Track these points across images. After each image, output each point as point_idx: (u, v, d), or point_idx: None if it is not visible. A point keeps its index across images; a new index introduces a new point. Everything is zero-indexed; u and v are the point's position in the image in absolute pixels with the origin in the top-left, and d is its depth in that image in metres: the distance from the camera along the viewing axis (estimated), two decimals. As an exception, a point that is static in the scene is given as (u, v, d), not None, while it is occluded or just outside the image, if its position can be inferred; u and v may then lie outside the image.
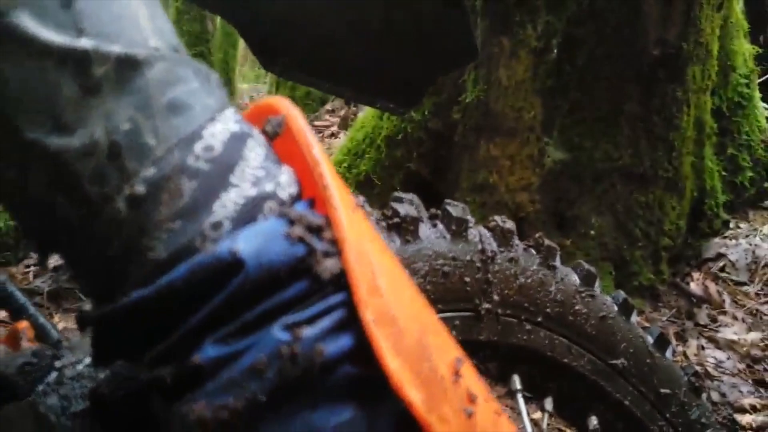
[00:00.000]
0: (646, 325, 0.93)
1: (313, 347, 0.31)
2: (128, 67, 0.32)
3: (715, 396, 1.54)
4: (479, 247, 0.68)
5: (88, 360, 0.42)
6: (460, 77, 1.78)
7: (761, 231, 2.13)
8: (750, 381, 1.63)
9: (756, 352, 1.72)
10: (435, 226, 0.66)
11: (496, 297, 0.69)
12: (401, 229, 0.63)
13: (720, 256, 2.03)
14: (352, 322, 0.32)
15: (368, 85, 0.95)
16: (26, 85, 0.31)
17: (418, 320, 0.34)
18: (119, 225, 0.32)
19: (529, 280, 0.71)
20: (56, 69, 0.31)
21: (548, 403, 0.77)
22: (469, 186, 1.76)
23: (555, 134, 1.76)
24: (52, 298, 2.01)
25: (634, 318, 0.79)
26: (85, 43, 0.31)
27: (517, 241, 0.72)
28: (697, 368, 0.84)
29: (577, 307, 0.74)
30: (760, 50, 2.33)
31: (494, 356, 0.71)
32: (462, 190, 1.77)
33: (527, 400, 0.74)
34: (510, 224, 0.72)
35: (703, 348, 1.75)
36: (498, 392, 1.03)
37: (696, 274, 1.98)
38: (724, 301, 1.92)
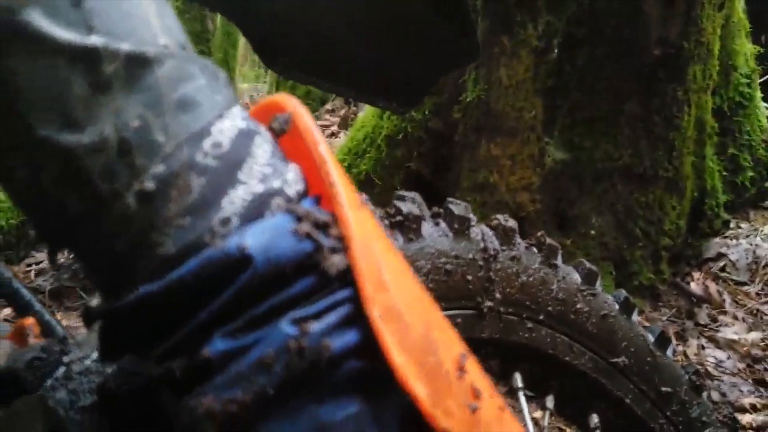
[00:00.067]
0: (647, 324, 0.94)
1: (320, 342, 0.31)
2: (138, 64, 0.32)
3: (715, 395, 1.55)
4: (481, 245, 0.68)
5: (95, 355, 0.42)
6: (461, 77, 1.78)
7: (762, 231, 2.13)
8: (750, 380, 1.64)
9: (756, 352, 1.73)
10: (437, 224, 0.67)
11: (498, 295, 0.69)
12: (404, 227, 0.63)
13: (720, 255, 2.03)
14: (358, 317, 0.32)
15: (369, 84, 0.95)
16: (37, 82, 0.31)
17: (423, 316, 0.34)
18: (129, 221, 0.32)
19: (530, 279, 0.71)
20: (67, 66, 0.31)
21: (549, 401, 0.77)
22: (470, 185, 1.76)
23: (555, 134, 1.77)
24: (53, 296, 2.01)
25: (635, 317, 0.80)
26: (95, 40, 0.32)
27: (519, 239, 0.72)
28: (698, 368, 0.85)
29: (578, 306, 0.74)
30: (762, 50, 2.33)
31: (496, 354, 0.72)
32: (462, 189, 1.78)
33: (528, 399, 0.74)
34: (512, 223, 0.72)
35: (703, 347, 1.75)
36: (499, 390, 1.03)
37: (696, 274, 1.98)
38: (724, 300, 1.92)
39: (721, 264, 2.02)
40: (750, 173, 2.17)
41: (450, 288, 0.66)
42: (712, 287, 1.94)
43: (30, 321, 0.55)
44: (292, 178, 0.35)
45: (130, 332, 0.34)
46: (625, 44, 1.71)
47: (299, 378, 0.31)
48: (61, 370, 0.41)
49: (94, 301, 0.51)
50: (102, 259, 0.34)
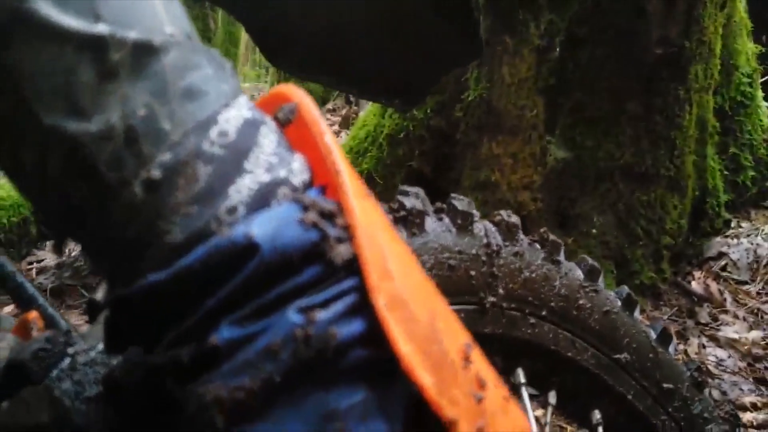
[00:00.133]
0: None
1: (326, 330, 0.31)
2: (144, 52, 0.32)
3: (716, 394, 1.54)
4: (484, 241, 0.68)
5: (100, 347, 0.42)
6: (463, 75, 1.79)
7: (763, 230, 2.13)
8: (751, 379, 1.64)
9: (757, 351, 1.73)
10: (441, 219, 0.67)
11: (501, 291, 0.69)
12: (407, 222, 0.64)
13: (721, 255, 2.03)
14: (364, 306, 0.32)
15: (372, 81, 0.95)
16: (44, 70, 0.31)
17: (428, 306, 0.34)
18: (136, 209, 0.32)
19: (533, 275, 0.71)
20: (74, 54, 0.31)
21: (552, 397, 0.77)
22: (471, 184, 1.77)
23: (557, 133, 1.77)
24: (55, 294, 2.01)
25: (638, 313, 0.80)
26: (102, 28, 0.32)
27: (521, 235, 0.72)
28: (699, 364, 0.85)
29: (581, 302, 0.74)
30: (763, 49, 2.33)
31: (498, 350, 0.72)
32: (464, 188, 1.78)
33: (531, 396, 0.74)
34: (515, 219, 0.72)
35: (704, 346, 1.75)
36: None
37: (697, 273, 1.98)
38: (725, 299, 1.92)
39: (722, 263, 2.02)
40: (751, 172, 2.17)
41: (453, 283, 0.66)
42: (713, 286, 1.94)
43: (33, 315, 0.55)
44: (297, 168, 0.35)
45: (136, 322, 0.34)
46: (627, 43, 1.71)
47: (306, 366, 0.31)
48: (67, 361, 0.41)
49: (98, 295, 0.52)
50: (109, 249, 0.34)
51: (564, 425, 1.46)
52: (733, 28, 2.10)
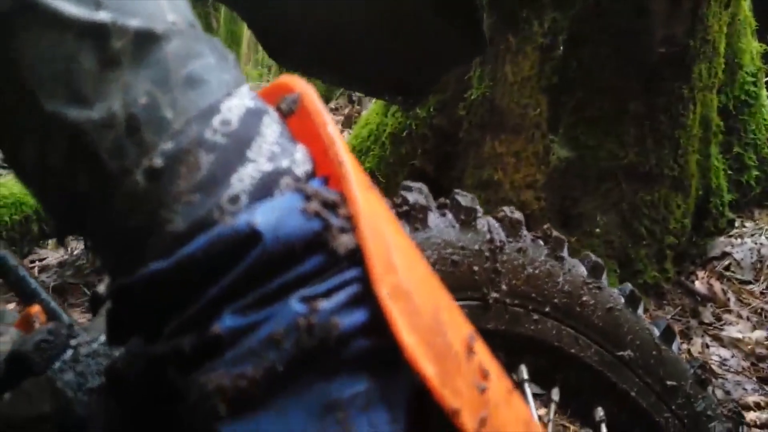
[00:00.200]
0: (652, 320, 0.94)
1: (329, 320, 0.31)
2: (146, 40, 0.32)
3: (719, 393, 1.54)
4: (488, 236, 0.68)
5: (102, 338, 0.42)
6: (466, 74, 1.78)
7: (766, 230, 2.13)
8: (754, 379, 1.63)
9: (761, 351, 1.72)
10: (444, 215, 0.67)
11: (504, 287, 0.69)
12: (410, 217, 0.63)
13: (725, 254, 2.03)
14: (367, 296, 0.32)
15: (375, 78, 0.95)
16: (45, 57, 0.31)
17: (431, 297, 0.34)
18: (138, 198, 0.32)
19: (536, 271, 0.71)
20: (75, 42, 0.31)
21: (555, 394, 0.77)
22: (474, 183, 1.76)
23: (560, 132, 1.76)
24: (57, 293, 2.01)
25: (641, 310, 0.79)
26: (103, 16, 0.32)
27: (525, 231, 0.72)
28: (702, 362, 0.84)
29: (584, 299, 0.74)
30: (768, 48, 2.32)
31: (501, 346, 0.72)
32: (467, 186, 1.78)
33: (535, 395, 0.74)
34: (518, 215, 0.72)
35: (707, 346, 1.75)
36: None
37: (701, 273, 1.98)
38: (728, 299, 1.91)
39: (726, 263, 2.01)
40: (755, 172, 2.16)
41: (456, 279, 0.66)
42: (717, 286, 1.93)
43: (36, 309, 0.55)
44: (300, 158, 0.35)
45: (138, 311, 0.34)
46: (631, 42, 1.71)
47: (308, 355, 0.31)
48: (69, 352, 0.41)
49: (101, 288, 0.51)
50: (111, 238, 0.34)
51: (567, 424, 1.46)
52: (737, 26, 2.09)
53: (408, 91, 0.93)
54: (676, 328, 1.78)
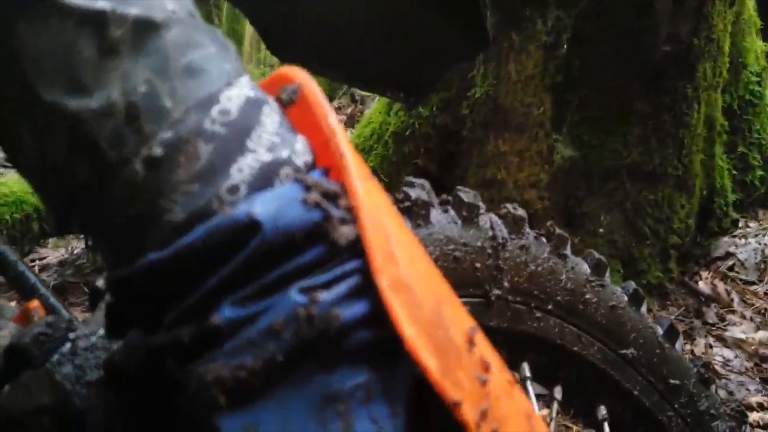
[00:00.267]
0: (655, 319, 0.93)
1: (329, 311, 0.31)
2: (146, 29, 0.32)
3: (722, 394, 1.54)
4: (490, 233, 0.68)
5: (101, 332, 0.42)
6: (470, 72, 1.78)
7: (770, 230, 2.12)
8: (758, 379, 1.63)
9: (764, 351, 1.72)
10: (446, 211, 0.66)
11: (506, 284, 0.68)
12: (412, 213, 0.63)
13: (729, 255, 2.02)
14: (367, 288, 0.32)
15: (378, 75, 0.95)
16: (44, 46, 0.31)
17: (432, 289, 0.34)
18: (137, 187, 0.32)
19: (539, 268, 0.71)
20: (74, 30, 0.31)
21: (557, 393, 0.76)
22: (477, 182, 1.76)
23: (564, 131, 1.76)
24: (57, 292, 2.01)
25: (644, 308, 0.79)
26: (103, 4, 0.31)
27: (528, 228, 0.72)
28: (706, 361, 0.84)
29: (587, 296, 0.74)
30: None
31: (503, 343, 0.71)
32: (470, 185, 1.77)
33: (537, 396, 0.74)
34: (521, 212, 0.72)
35: (711, 346, 1.74)
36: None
37: (705, 273, 1.97)
38: (732, 300, 1.91)
39: (730, 263, 2.01)
40: (759, 172, 2.16)
41: (458, 275, 0.65)
42: (721, 286, 1.93)
43: (35, 304, 0.55)
44: (300, 149, 0.35)
45: (137, 303, 0.33)
46: (635, 41, 1.70)
47: (308, 346, 0.30)
48: (67, 345, 0.41)
49: (100, 282, 0.51)
50: (111, 229, 0.34)
51: (569, 425, 1.45)
52: (742, 26, 2.08)
53: (410, 88, 0.93)
54: (680, 328, 1.78)
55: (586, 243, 1.75)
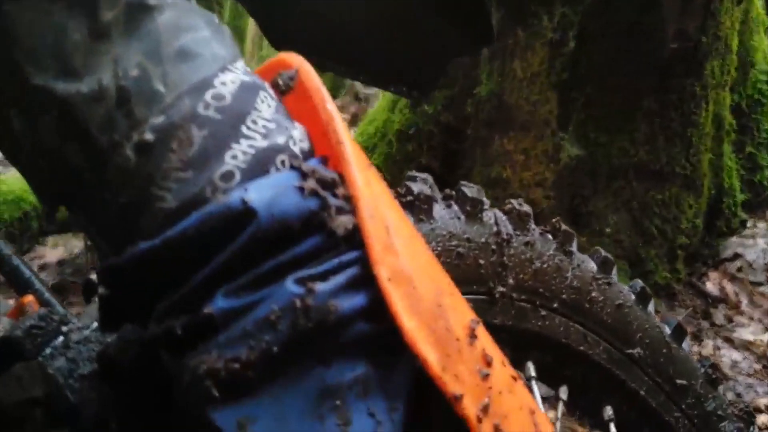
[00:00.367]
0: (662, 319, 0.92)
1: (327, 302, 0.30)
2: (138, 11, 0.31)
3: (730, 396, 1.52)
4: (494, 229, 0.67)
5: (94, 325, 0.41)
6: (474, 68, 1.77)
7: (779, 231, 2.10)
8: (766, 381, 1.61)
9: (773, 353, 1.70)
10: (449, 206, 0.65)
11: (511, 281, 0.67)
12: (414, 207, 0.62)
13: (737, 255, 2.00)
14: (366, 279, 0.31)
15: (380, 69, 0.94)
16: (34, 29, 0.30)
17: (433, 281, 0.33)
18: (128, 174, 0.31)
19: (545, 265, 0.70)
20: (65, 12, 0.30)
21: (563, 393, 0.75)
22: (482, 181, 1.75)
23: (570, 129, 1.74)
24: (57, 291, 2.01)
25: (652, 307, 0.78)
26: None
27: (533, 225, 0.71)
28: (713, 361, 0.83)
29: (593, 295, 0.73)
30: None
31: (508, 341, 0.70)
32: (474, 184, 1.76)
33: (543, 399, 0.73)
34: (526, 208, 0.71)
35: (719, 348, 1.73)
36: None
37: (713, 274, 1.96)
38: (740, 301, 1.89)
39: (738, 264, 1.99)
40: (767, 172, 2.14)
41: (461, 272, 0.64)
42: (729, 287, 1.91)
43: (30, 299, 0.54)
44: (297, 136, 0.34)
45: (129, 293, 0.32)
46: (642, 37, 1.68)
47: (305, 338, 0.30)
48: (60, 339, 0.40)
49: (94, 275, 0.50)
50: (102, 217, 0.33)
51: (575, 427, 1.44)
52: (750, 24, 2.06)
53: (413, 83, 0.92)
54: (688, 329, 1.76)
55: (592, 242, 1.74)
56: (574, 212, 1.79)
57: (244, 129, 0.32)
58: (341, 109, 3.91)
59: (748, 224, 2.08)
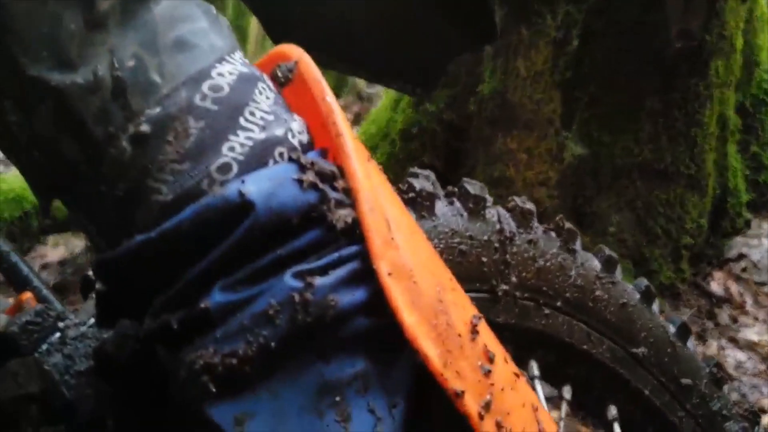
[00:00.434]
0: (666, 319, 0.92)
1: (326, 297, 0.29)
2: (134, 1, 0.31)
3: (735, 396, 1.51)
4: (497, 227, 0.66)
5: (91, 321, 0.41)
6: (476, 66, 1.76)
7: (784, 231, 2.09)
8: (771, 382, 1.60)
9: (778, 353, 1.69)
10: (452, 203, 0.65)
11: (513, 279, 0.67)
12: (416, 204, 0.61)
13: (742, 255, 1.99)
14: (366, 274, 0.31)
15: (383, 65, 0.94)
16: (30, 19, 0.30)
17: (434, 276, 0.33)
18: (124, 166, 0.30)
19: (548, 264, 0.69)
20: (60, 2, 0.30)
21: (567, 392, 0.75)
22: (485, 180, 1.74)
23: (574, 128, 1.74)
24: (58, 291, 2.01)
25: (656, 306, 0.77)
26: None
27: (536, 223, 0.70)
28: (718, 360, 0.82)
29: (597, 293, 0.72)
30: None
31: (511, 340, 0.69)
32: (478, 184, 1.75)
33: (546, 399, 0.72)
34: (530, 205, 0.70)
35: (723, 348, 1.72)
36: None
37: (717, 274, 1.95)
38: (745, 301, 1.88)
39: (743, 264, 1.98)
40: (773, 172, 2.12)
41: (464, 269, 0.64)
42: (733, 287, 1.90)
43: (27, 296, 0.54)
44: (296, 128, 0.33)
45: (125, 288, 0.32)
46: (646, 36, 1.68)
47: (304, 333, 0.29)
48: (57, 335, 0.40)
49: (92, 272, 0.50)
50: (98, 210, 0.32)
51: (579, 427, 1.43)
52: (754, 23, 2.05)
53: (415, 81, 0.92)
54: (692, 329, 1.75)
55: (596, 242, 1.73)
56: (577, 212, 1.78)
57: (242, 121, 0.31)
58: (344, 108, 3.90)
59: (753, 224, 2.06)
